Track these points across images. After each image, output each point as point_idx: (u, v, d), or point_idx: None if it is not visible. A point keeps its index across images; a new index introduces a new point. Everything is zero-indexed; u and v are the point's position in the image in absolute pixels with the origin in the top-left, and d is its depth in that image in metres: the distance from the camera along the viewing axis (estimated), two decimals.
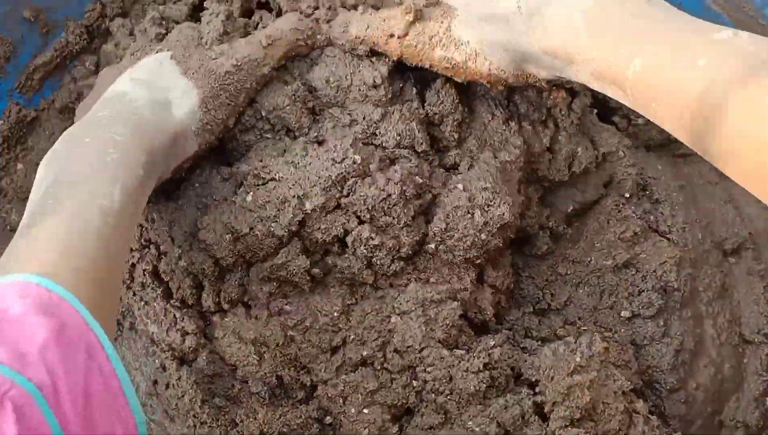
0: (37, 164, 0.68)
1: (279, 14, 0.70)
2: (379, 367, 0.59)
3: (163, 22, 0.67)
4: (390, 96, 0.60)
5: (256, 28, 0.69)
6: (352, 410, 0.59)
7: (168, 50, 0.61)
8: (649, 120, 0.47)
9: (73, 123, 0.58)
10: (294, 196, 0.57)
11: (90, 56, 0.73)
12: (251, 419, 0.59)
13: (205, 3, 0.65)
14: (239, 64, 0.59)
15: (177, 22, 0.67)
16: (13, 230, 0.65)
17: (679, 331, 0.67)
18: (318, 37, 0.62)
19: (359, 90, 0.60)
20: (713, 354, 0.68)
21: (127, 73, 0.59)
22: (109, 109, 0.55)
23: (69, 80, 0.72)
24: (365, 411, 0.58)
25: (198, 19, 0.70)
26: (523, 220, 0.66)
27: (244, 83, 0.60)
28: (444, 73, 0.60)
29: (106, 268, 0.45)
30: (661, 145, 0.76)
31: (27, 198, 0.66)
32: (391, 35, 0.59)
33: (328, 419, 0.61)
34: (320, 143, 0.60)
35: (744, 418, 0.67)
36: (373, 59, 0.61)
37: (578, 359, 0.57)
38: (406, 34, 0.58)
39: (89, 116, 0.55)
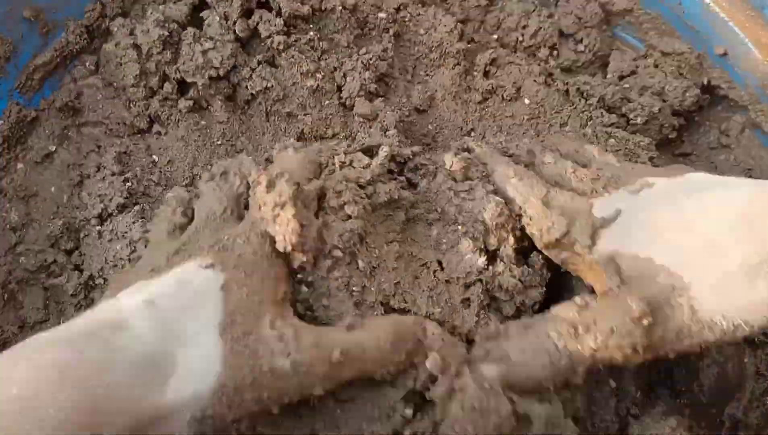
0: (36, 164, 0.69)
1: (279, 14, 0.70)
2: None
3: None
4: None
5: (256, 27, 0.69)
6: None
7: (222, 269, 0.44)
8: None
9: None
10: None
11: (90, 56, 0.73)
12: None
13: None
14: (295, 367, 0.42)
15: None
16: (13, 229, 0.65)
17: None
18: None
19: None
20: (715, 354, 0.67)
21: (149, 281, 0.43)
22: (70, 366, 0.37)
23: (69, 80, 0.72)
24: None
25: (198, 20, 0.70)
26: None
27: (283, 391, 0.42)
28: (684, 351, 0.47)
29: None
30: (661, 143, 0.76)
31: (26, 196, 0.67)
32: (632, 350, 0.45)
33: None
34: None
35: (745, 418, 0.67)
36: None
37: None
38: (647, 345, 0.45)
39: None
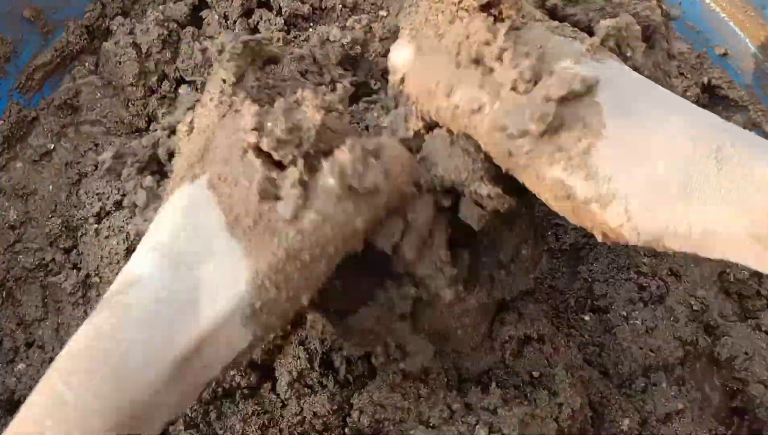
0: (35, 162, 0.69)
1: (279, 13, 0.70)
2: None
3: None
4: None
5: (256, 27, 0.70)
6: None
7: (205, 171, 0.42)
8: None
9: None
10: None
11: (90, 56, 0.73)
12: None
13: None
14: (321, 222, 0.40)
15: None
16: (12, 228, 0.65)
17: None
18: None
19: None
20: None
21: (149, 235, 0.41)
22: (94, 323, 0.37)
23: (69, 80, 0.72)
24: None
25: (198, 19, 0.70)
26: None
27: (326, 244, 0.40)
28: (544, 202, 0.43)
29: None
30: None
31: (25, 195, 0.67)
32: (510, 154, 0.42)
33: None
34: None
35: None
36: None
37: None
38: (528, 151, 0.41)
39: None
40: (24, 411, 0.35)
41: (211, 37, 0.69)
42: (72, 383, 0.35)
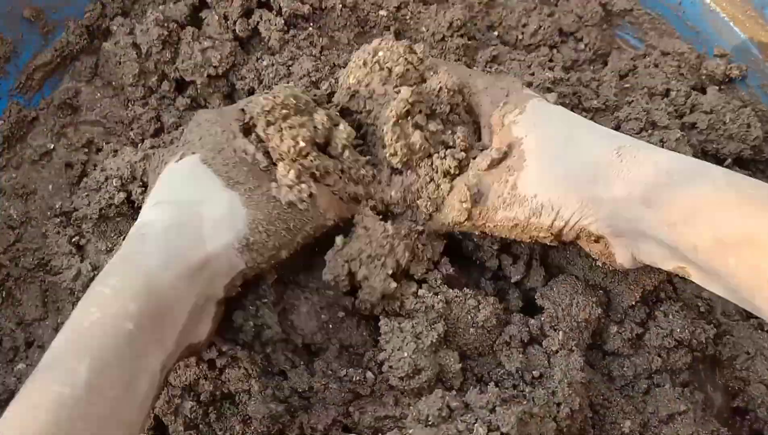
0: (35, 162, 0.69)
1: (279, 14, 0.70)
2: None
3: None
4: None
5: (256, 27, 0.70)
6: None
7: (193, 152, 0.53)
8: None
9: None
10: None
11: (90, 56, 0.73)
12: None
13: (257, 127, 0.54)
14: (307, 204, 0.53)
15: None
16: (11, 227, 0.65)
17: None
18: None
19: None
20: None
21: (150, 198, 0.52)
22: (118, 253, 0.47)
23: (69, 80, 0.72)
24: None
25: (198, 20, 0.70)
26: None
27: (305, 224, 0.53)
28: (502, 234, 0.55)
29: None
30: None
31: (24, 194, 0.67)
32: (456, 223, 0.55)
33: None
34: None
35: None
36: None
37: None
38: (468, 218, 0.54)
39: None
40: (73, 313, 0.43)
41: (211, 38, 0.69)
42: (109, 283, 0.44)
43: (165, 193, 0.51)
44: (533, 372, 0.56)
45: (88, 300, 0.43)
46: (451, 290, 0.57)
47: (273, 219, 0.51)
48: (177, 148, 0.54)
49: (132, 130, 0.70)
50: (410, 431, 0.50)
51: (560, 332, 0.58)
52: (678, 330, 0.60)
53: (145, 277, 0.44)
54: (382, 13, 0.72)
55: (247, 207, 0.50)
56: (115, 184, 0.62)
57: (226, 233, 0.49)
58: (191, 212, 0.49)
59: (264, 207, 0.51)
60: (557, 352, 0.57)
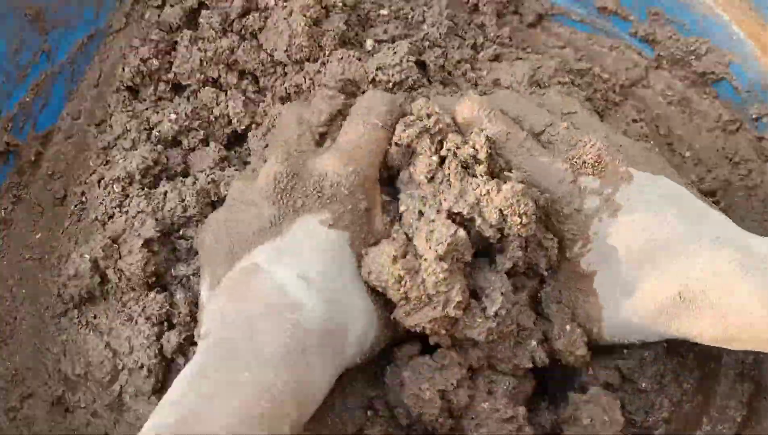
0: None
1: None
2: None
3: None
4: None
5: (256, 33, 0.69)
6: None
7: (344, 229, 0.49)
8: None
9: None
10: None
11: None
12: None
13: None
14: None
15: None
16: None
17: None
18: None
19: None
20: None
21: (288, 262, 0.46)
22: (267, 326, 0.43)
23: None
24: None
25: (196, 22, 0.69)
26: None
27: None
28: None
29: None
30: None
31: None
32: None
33: None
34: None
35: None
36: None
37: None
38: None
39: (233, 319, 0.43)
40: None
41: (208, 40, 0.68)
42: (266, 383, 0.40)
43: (308, 258, 0.47)
44: None
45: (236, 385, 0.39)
46: None
47: (389, 336, 0.51)
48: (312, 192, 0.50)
49: None
50: None
51: None
52: None
53: (302, 377, 0.42)
54: (383, 12, 0.72)
55: (378, 325, 0.49)
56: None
57: (357, 350, 0.47)
58: (340, 322, 0.46)
59: (388, 324, 0.50)
60: None
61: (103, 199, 0.62)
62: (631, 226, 0.49)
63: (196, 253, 0.56)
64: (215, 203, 0.60)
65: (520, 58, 0.70)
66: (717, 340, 0.46)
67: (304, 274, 0.45)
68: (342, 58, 0.61)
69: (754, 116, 0.72)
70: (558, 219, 0.51)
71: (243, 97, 0.66)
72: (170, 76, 0.68)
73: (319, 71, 0.63)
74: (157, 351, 0.55)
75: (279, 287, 0.44)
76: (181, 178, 0.62)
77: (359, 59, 0.61)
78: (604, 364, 0.56)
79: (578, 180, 0.50)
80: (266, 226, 0.48)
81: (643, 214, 0.49)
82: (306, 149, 0.54)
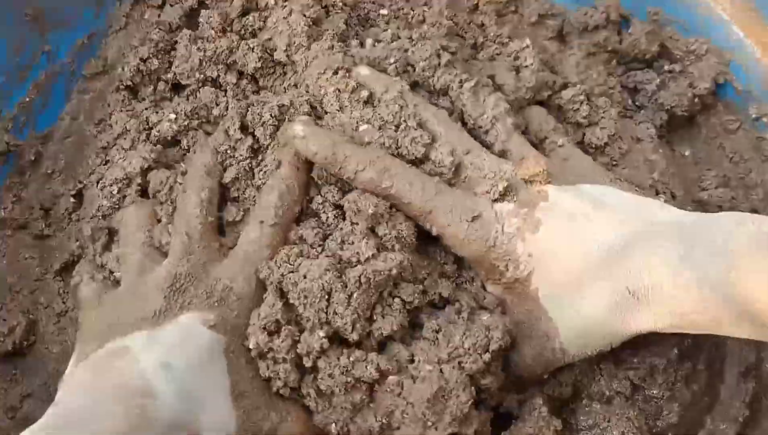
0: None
1: None
2: None
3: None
4: None
5: (256, 33, 0.69)
6: None
7: (223, 334, 0.48)
8: None
9: None
10: None
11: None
12: None
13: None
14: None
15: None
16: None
17: None
18: None
19: None
20: None
21: (157, 350, 0.45)
22: (115, 407, 0.41)
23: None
24: None
25: (195, 22, 0.69)
26: None
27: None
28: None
29: None
30: None
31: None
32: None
33: None
34: None
35: None
36: None
37: None
38: None
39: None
40: None
41: (207, 40, 0.68)
42: None
43: (177, 352, 0.45)
44: None
45: None
46: None
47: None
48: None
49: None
50: None
51: None
52: None
53: None
54: (383, 12, 0.72)
55: (236, 429, 0.46)
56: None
57: None
58: (193, 413, 0.44)
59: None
60: None
61: (103, 200, 0.62)
62: (555, 236, 0.50)
63: None
64: None
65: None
66: (675, 326, 0.46)
67: (167, 364, 0.44)
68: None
69: (754, 116, 0.72)
70: (483, 249, 0.52)
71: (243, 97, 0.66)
72: (170, 75, 0.68)
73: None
74: None
75: (139, 371, 0.43)
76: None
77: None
78: (614, 374, 0.56)
79: (494, 206, 0.52)
80: (149, 317, 0.48)
81: (564, 222, 0.50)
82: (210, 244, 0.53)
